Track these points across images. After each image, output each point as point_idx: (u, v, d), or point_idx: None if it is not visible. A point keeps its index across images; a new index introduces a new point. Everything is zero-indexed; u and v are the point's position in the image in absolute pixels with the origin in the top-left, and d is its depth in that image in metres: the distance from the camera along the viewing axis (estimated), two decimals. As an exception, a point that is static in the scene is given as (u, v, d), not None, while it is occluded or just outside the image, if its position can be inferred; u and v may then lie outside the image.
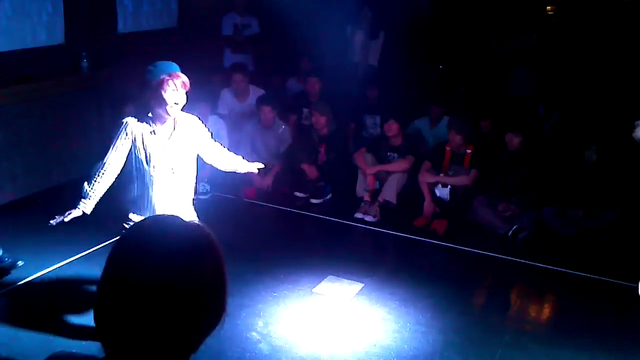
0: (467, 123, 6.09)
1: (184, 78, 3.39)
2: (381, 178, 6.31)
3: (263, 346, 3.86)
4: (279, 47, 8.07)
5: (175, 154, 3.51)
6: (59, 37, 6.02)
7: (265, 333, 4.00)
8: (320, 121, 6.58)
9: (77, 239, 5.11)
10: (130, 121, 3.47)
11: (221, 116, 6.90)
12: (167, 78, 3.34)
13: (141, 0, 6.89)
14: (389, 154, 6.37)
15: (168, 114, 3.41)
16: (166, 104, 3.37)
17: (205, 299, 1.12)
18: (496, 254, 5.33)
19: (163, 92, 3.34)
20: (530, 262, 5.20)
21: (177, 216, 1.19)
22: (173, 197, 3.58)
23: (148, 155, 3.47)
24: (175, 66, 3.42)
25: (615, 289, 4.81)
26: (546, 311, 4.77)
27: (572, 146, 6.22)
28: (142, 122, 3.48)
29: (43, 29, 5.86)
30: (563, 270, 5.08)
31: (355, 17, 7.85)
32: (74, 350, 1.30)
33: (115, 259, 1.13)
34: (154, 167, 3.49)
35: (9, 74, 5.68)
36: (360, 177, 6.36)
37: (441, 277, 4.94)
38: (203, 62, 7.66)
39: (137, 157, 3.48)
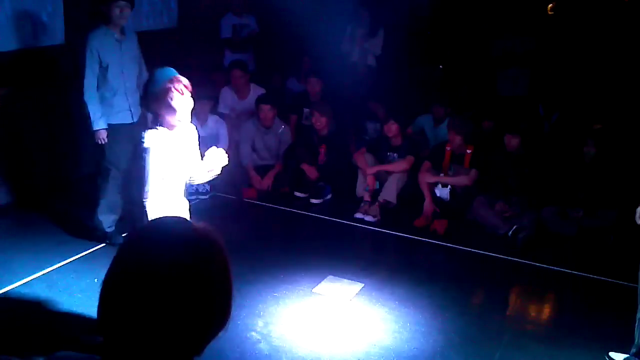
0: (467, 123, 6.09)
1: (185, 81, 3.34)
2: (381, 178, 6.31)
3: (263, 346, 3.86)
4: (279, 46, 8.06)
5: (188, 160, 3.50)
6: (59, 37, 6.02)
7: (265, 333, 4.00)
8: (321, 121, 6.58)
9: (78, 239, 5.13)
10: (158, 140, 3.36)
11: (222, 115, 6.90)
12: (170, 85, 3.29)
13: (141, 0, 6.89)
14: (389, 154, 6.38)
15: (179, 121, 3.36)
16: (175, 111, 3.32)
17: (210, 301, 1.12)
18: (496, 254, 5.33)
19: (170, 100, 3.29)
20: (530, 262, 5.20)
21: (186, 218, 1.19)
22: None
23: (175, 165, 3.40)
24: (173, 70, 3.38)
25: (615, 289, 4.81)
26: (546, 311, 4.77)
27: (571, 144, 6.23)
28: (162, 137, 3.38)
29: (43, 29, 5.86)
30: (563, 270, 5.08)
31: (355, 17, 7.84)
32: (74, 350, 1.30)
33: (121, 259, 1.13)
34: (177, 175, 3.44)
35: (8, 74, 5.68)
36: (360, 177, 6.36)
37: (441, 277, 4.94)
38: (203, 61, 7.67)
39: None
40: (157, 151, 3.32)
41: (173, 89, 3.27)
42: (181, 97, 3.30)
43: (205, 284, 1.11)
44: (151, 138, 3.33)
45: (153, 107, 3.38)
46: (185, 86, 3.32)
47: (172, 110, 3.30)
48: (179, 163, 3.42)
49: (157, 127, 3.38)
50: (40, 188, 6.01)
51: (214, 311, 1.13)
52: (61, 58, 6.01)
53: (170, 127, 3.38)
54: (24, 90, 5.80)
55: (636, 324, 3.75)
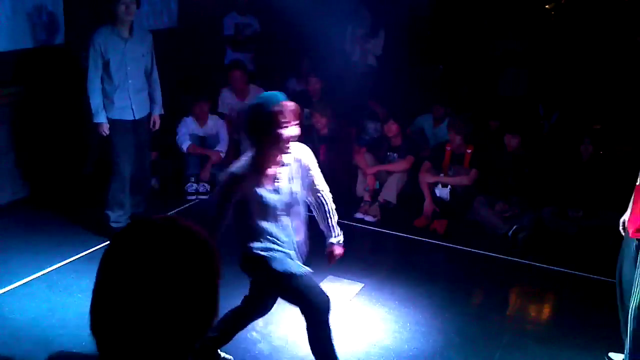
0: (467, 123, 6.09)
1: (295, 107, 3.01)
2: (381, 178, 6.31)
3: (263, 346, 3.86)
4: (279, 46, 8.06)
5: (293, 191, 3.18)
6: (59, 37, 6.02)
7: (265, 333, 4.00)
8: (321, 121, 6.59)
9: (77, 239, 5.13)
10: (238, 173, 3.06)
11: (221, 116, 6.90)
12: (279, 110, 2.94)
13: (141, 0, 6.87)
14: (389, 154, 6.38)
15: (284, 151, 3.02)
16: (282, 141, 2.96)
17: (196, 299, 1.12)
18: (496, 254, 5.33)
19: (277, 129, 2.93)
20: (530, 262, 5.20)
21: (171, 217, 1.19)
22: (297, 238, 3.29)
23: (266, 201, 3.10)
24: (281, 95, 3.04)
25: (615, 289, 4.80)
26: (546, 311, 4.77)
27: (570, 144, 6.23)
28: (247, 171, 3.06)
29: (43, 29, 5.86)
30: (563, 270, 5.08)
31: (355, 17, 7.85)
32: (74, 350, 1.31)
33: (107, 260, 1.14)
34: (277, 211, 3.15)
35: (9, 74, 5.68)
36: (360, 177, 6.36)
37: (441, 277, 4.94)
38: (203, 61, 7.67)
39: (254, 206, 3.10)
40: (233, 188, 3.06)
41: (282, 116, 2.92)
42: (290, 124, 2.95)
43: (190, 283, 1.11)
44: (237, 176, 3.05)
45: (254, 134, 3.02)
46: (295, 113, 2.99)
47: (278, 139, 2.94)
48: (276, 200, 3.10)
49: (248, 160, 3.08)
50: (41, 188, 6.01)
51: (199, 308, 1.13)
52: (61, 57, 6.01)
53: (270, 158, 3.05)
54: (24, 90, 5.80)
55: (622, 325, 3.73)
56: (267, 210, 3.12)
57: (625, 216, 3.69)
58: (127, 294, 1.08)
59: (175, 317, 1.10)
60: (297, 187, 3.20)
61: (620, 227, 3.73)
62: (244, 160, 3.12)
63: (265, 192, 3.07)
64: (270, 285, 3.37)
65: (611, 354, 3.88)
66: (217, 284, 1.17)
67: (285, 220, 3.21)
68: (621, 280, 3.63)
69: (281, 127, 2.93)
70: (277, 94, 3.05)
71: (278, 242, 3.20)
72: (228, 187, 3.09)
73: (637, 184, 3.55)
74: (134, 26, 5.05)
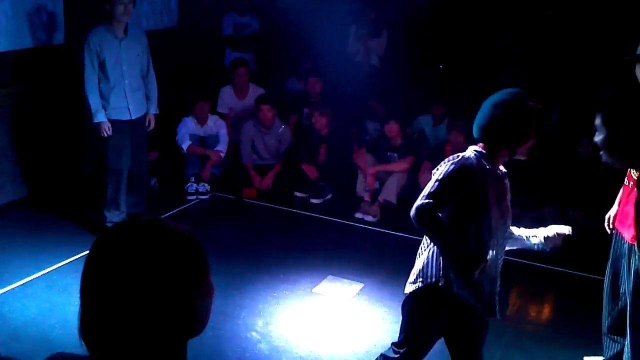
0: (468, 123, 6.08)
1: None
2: (381, 178, 6.31)
3: (263, 346, 3.86)
4: (279, 46, 8.07)
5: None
6: (59, 37, 6.02)
7: (265, 333, 4.00)
8: (321, 121, 6.59)
9: (77, 239, 5.13)
10: (469, 159, 2.73)
11: (221, 116, 6.90)
12: (538, 109, 2.58)
13: (141, 0, 6.88)
14: (389, 154, 6.38)
15: (524, 156, 2.66)
16: (528, 144, 2.59)
17: (179, 300, 1.12)
18: (496, 254, 5.32)
19: (532, 129, 2.55)
20: (530, 262, 5.20)
21: (155, 218, 1.18)
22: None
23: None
24: (521, 92, 2.62)
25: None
26: (546, 311, 4.77)
27: (568, 144, 6.24)
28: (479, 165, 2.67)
29: (43, 29, 5.86)
30: (563, 270, 5.08)
31: (358, 17, 7.85)
32: (74, 351, 1.31)
33: (88, 265, 1.17)
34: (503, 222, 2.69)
35: (8, 74, 5.68)
36: (360, 177, 6.36)
37: (441, 277, 4.94)
38: (203, 61, 7.68)
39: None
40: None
41: (538, 117, 2.56)
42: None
43: (173, 282, 1.11)
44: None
45: (505, 131, 2.60)
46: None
47: (527, 142, 2.57)
48: (497, 208, 2.65)
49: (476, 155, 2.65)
50: (41, 188, 6.01)
51: (185, 307, 1.13)
52: (61, 57, 6.01)
53: (499, 161, 2.70)
54: (24, 90, 5.80)
55: (603, 338, 3.69)
56: (492, 231, 2.62)
57: (611, 212, 3.66)
58: (109, 298, 1.10)
59: (162, 317, 1.10)
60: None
61: (605, 224, 3.69)
62: (464, 155, 2.67)
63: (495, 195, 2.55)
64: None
65: (586, 358, 3.87)
66: (204, 283, 1.17)
67: (499, 253, 2.71)
68: (616, 284, 3.58)
69: (535, 129, 2.55)
70: (519, 90, 2.65)
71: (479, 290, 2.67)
72: (457, 176, 2.60)
73: (625, 183, 3.54)
74: (129, 26, 5.04)
